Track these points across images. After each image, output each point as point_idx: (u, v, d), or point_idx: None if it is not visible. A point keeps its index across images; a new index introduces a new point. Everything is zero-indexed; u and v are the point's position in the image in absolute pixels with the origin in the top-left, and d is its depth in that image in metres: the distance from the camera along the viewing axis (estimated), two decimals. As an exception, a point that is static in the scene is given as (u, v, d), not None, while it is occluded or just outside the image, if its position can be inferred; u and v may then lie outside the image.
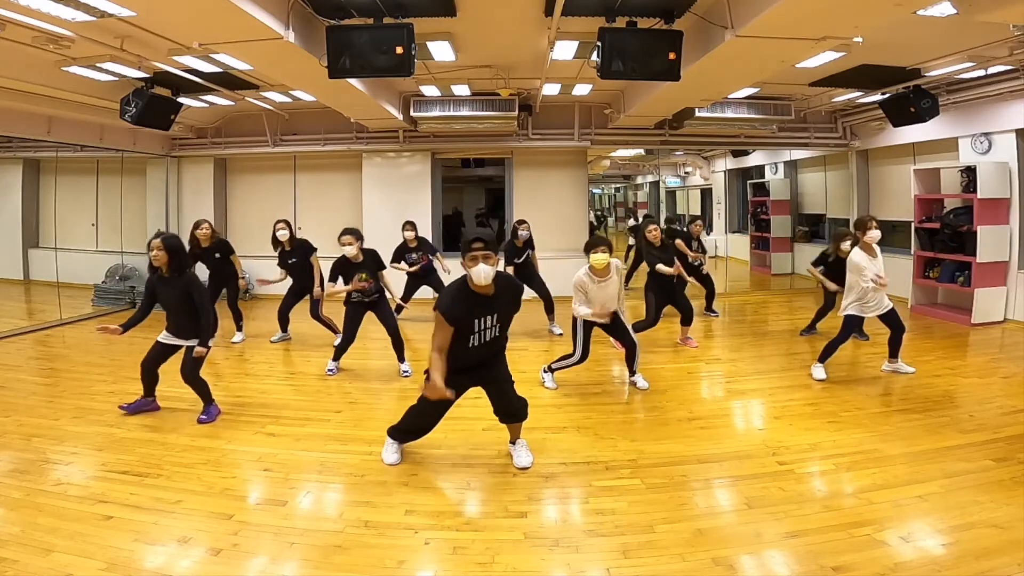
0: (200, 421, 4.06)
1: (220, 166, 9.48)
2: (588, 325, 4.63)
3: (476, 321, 3.05)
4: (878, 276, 4.64)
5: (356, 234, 5.10)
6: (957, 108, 7.03)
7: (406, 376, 5.10)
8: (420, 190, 9.05)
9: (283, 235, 6.07)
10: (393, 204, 8.88)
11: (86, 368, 5.45)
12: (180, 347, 4.13)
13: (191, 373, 4.09)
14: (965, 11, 4.09)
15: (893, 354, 4.98)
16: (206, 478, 3.27)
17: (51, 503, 2.95)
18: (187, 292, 4.01)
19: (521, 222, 6.65)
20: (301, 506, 3.01)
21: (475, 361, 3.19)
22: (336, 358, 5.25)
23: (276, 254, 6.21)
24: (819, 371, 4.92)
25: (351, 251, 5.04)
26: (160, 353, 4.16)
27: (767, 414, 4.26)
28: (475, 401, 4.33)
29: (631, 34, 4.38)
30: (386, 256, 5.60)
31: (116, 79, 5.95)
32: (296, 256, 6.13)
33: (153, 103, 6.02)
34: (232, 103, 7.68)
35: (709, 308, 7.72)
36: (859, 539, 2.60)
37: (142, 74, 5.79)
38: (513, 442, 3.47)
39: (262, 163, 9.41)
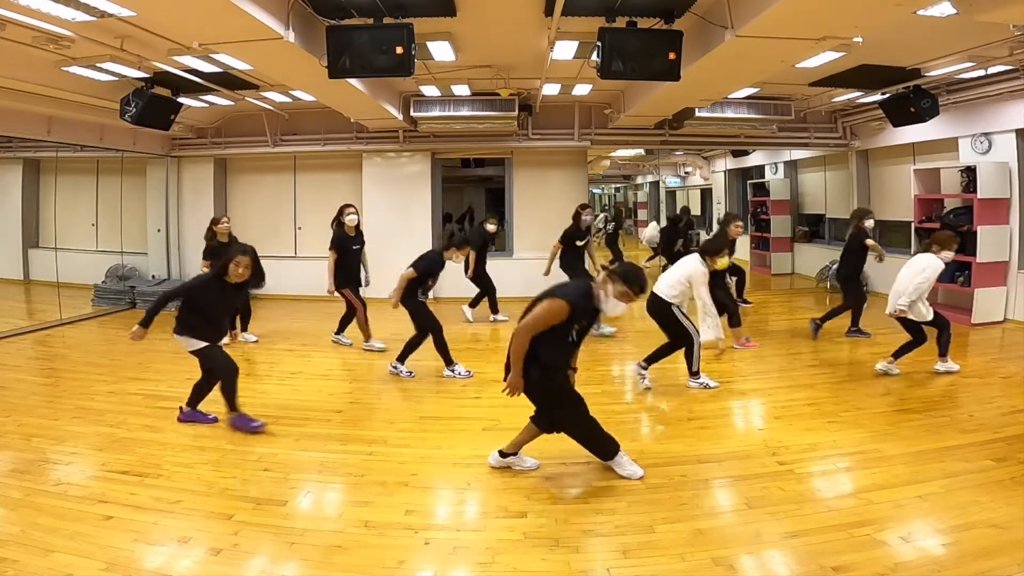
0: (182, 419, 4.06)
1: (220, 166, 9.47)
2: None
3: (585, 322, 3.15)
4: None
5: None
6: (957, 108, 7.03)
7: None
8: (420, 190, 9.05)
9: (353, 220, 5.92)
10: (393, 204, 8.89)
11: (86, 368, 5.45)
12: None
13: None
14: (965, 11, 4.09)
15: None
16: (206, 478, 3.27)
17: (51, 503, 2.95)
18: (245, 298, 4.01)
19: (585, 206, 6.64)
20: (301, 506, 3.01)
21: (567, 359, 3.26)
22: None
23: (336, 239, 5.92)
24: (945, 365, 4.93)
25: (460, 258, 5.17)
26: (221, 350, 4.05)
27: (767, 414, 4.26)
28: (475, 401, 4.34)
29: (631, 34, 4.38)
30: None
31: (116, 79, 5.95)
32: (359, 243, 6.04)
33: (153, 103, 6.03)
34: (232, 103, 7.67)
35: (740, 297, 7.76)
36: (859, 539, 2.60)
37: (142, 74, 5.79)
38: (515, 454, 3.40)
39: (262, 163, 9.41)
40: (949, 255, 4.77)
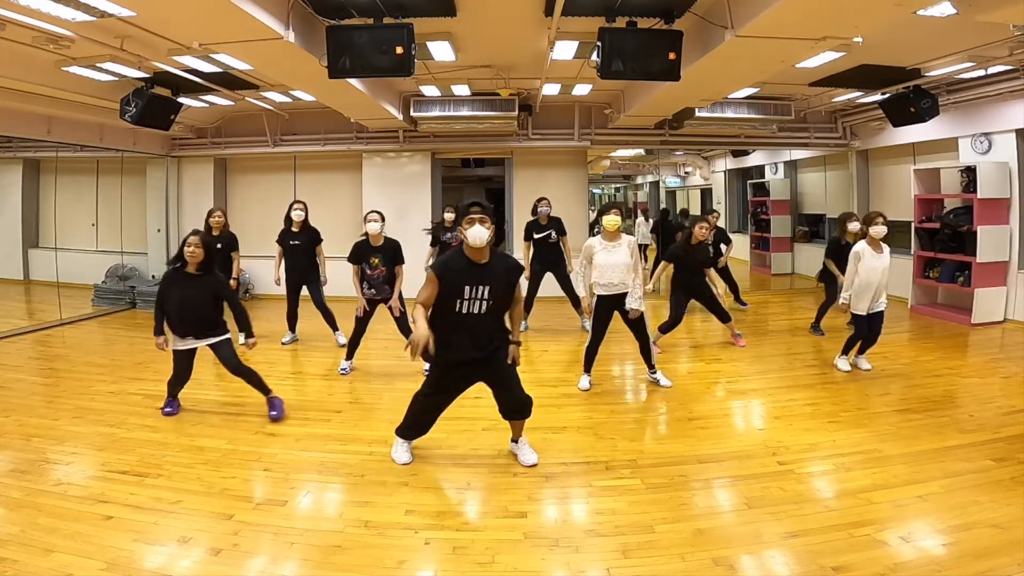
0: (273, 419, 4.09)
1: (220, 166, 9.47)
2: (602, 310, 4.57)
3: (467, 287, 3.07)
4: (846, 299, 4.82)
5: (382, 215, 5.11)
6: (957, 108, 7.03)
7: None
8: (420, 190, 9.05)
9: (298, 216, 6.01)
10: (393, 204, 8.86)
11: (86, 368, 5.45)
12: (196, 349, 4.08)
13: (239, 365, 4.11)
14: (965, 11, 4.10)
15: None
16: (206, 478, 3.27)
17: (51, 503, 2.95)
18: (215, 292, 4.00)
19: (541, 199, 6.54)
20: (301, 506, 3.01)
21: (469, 341, 3.13)
22: (349, 356, 5.21)
23: (279, 234, 6.12)
24: (843, 363, 5.06)
25: (374, 228, 4.99)
26: (190, 359, 4.10)
27: (767, 414, 4.26)
28: (476, 401, 4.33)
29: (631, 34, 4.38)
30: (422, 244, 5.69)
31: (116, 79, 5.95)
32: (301, 240, 6.05)
33: (153, 103, 6.02)
34: (232, 103, 7.67)
35: (738, 299, 7.85)
36: (859, 539, 2.60)
37: (142, 74, 5.79)
38: (516, 440, 3.49)
39: (262, 163, 9.41)
40: (879, 230, 4.71)
